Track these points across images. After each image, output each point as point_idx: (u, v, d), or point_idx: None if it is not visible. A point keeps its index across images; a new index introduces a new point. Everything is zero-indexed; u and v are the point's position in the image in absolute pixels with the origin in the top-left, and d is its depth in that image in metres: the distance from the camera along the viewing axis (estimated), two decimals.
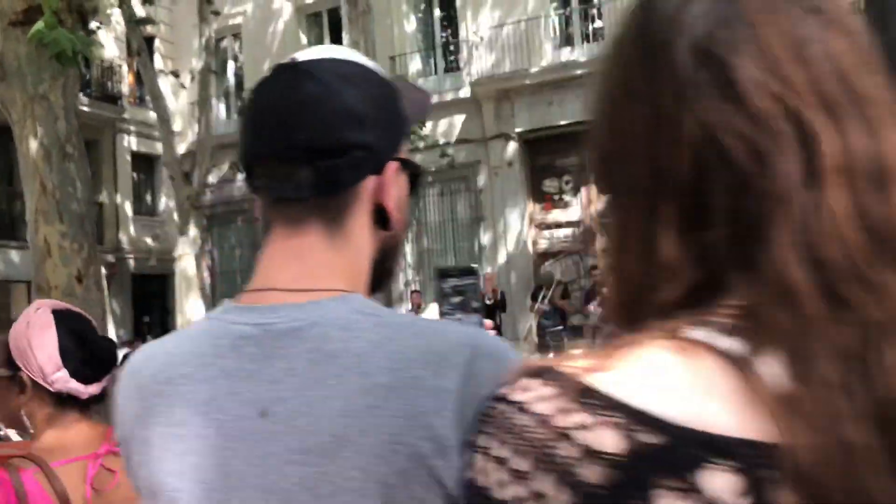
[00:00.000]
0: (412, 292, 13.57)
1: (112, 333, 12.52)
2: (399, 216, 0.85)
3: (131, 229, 18.51)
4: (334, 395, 0.70)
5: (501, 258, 16.12)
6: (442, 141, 15.45)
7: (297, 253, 0.81)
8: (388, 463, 0.67)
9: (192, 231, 14.95)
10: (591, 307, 9.91)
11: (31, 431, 1.53)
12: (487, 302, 10.73)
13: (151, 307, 18.92)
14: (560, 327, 10.43)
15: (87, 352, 1.55)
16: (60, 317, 1.56)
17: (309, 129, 0.78)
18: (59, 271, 4.07)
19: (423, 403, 0.69)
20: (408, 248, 17.00)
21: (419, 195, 16.87)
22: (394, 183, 0.84)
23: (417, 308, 10.56)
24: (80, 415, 1.54)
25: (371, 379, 0.70)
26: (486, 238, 16.34)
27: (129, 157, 18.60)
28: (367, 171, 0.81)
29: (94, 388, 1.55)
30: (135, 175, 18.96)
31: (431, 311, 10.71)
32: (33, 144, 4.03)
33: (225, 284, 19.11)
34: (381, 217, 0.84)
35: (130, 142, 18.78)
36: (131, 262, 18.42)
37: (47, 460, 1.42)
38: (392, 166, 0.84)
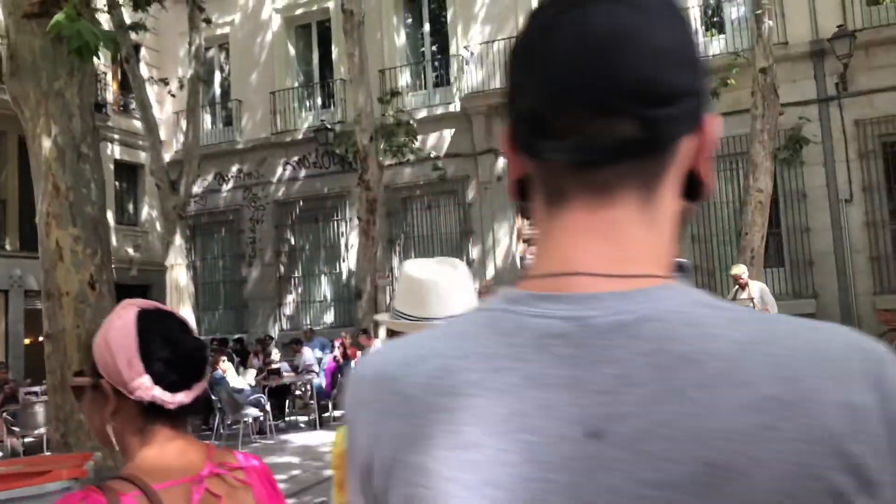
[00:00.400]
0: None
1: None
2: (711, 185, 0.68)
3: (113, 239, 18.13)
4: (702, 410, 0.54)
5: (490, 272, 16.02)
6: (432, 154, 15.34)
7: (607, 229, 0.64)
8: (795, 502, 0.52)
9: (178, 241, 14.68)
10: None
11: (117, 449, 1.37)
12: None
13: None
14: None
15: (174, 354, 1.36)
16: (144, 316, 1.40)
17: (636, 69, 0.61)
18: (71, 277, 3.89)
19: (832, 424, 0.53)
20: (395, 262, 16.86)
21: (406, 208, 16.72)
22: (712, 143, 0.67)
23: None
24: (173, 429, 1.37)
25: (755, 390, 0.54)
26: (474, 252, 16.24)
27: (111, 166, 18.27)
28: (692, 125, 0.64)
29: (182, 397, 1.38)
30: (117, 184, 18.62)
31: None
32: (46, 143, 3.86)
33: (207, 296, 18.80)
34: (691, 185, 0.67)
35: (114, 150, 18.46)
36: (112, 273, 18.02)
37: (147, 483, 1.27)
38: (712, 122, 0.66)
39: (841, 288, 13.60)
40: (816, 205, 13.87)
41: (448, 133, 16.53)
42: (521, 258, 16.10)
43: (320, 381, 10.53)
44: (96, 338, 1.40)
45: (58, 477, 3.03)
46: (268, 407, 9.80)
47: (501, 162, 15.99)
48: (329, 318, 17.64)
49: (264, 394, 10.08)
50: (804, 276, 13.88)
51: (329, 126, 17.07)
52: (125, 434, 1.35)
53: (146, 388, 1.33)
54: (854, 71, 13.53)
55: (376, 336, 12.96)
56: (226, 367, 10.30)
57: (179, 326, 1.46)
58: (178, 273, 9.64)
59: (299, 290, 18.07)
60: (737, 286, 8.99)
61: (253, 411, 9.60)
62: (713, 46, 14.65)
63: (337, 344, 11.22)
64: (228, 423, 10.11)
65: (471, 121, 16.15)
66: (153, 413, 1.36)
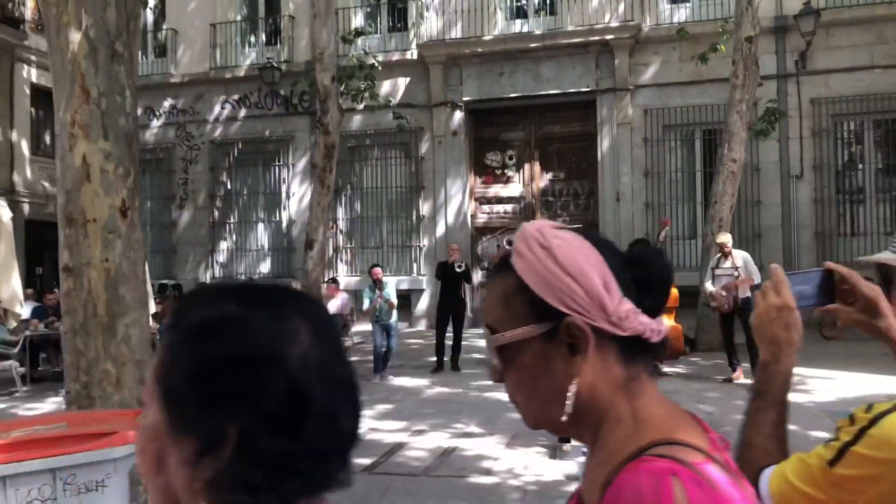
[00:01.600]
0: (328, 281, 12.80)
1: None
2: None
3: (27, 171, 16.63)
4: None
5: (440, 230, 15.61)
6: (390, 102, 14.65)
7: None
8: None
9: None
10: None
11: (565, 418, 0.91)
12: (458, 270, 10.18)
13: (45, 258, 17.12)
14: None
15: (644, 273, 0.94)
16: (582, 233, 0.97)
17: None
18: (99, 201, 3.25)
19: None
20: (339, 214, 16.20)
21: (354, 158, 16.01)
22: None
23: (378, 283, 9.89)
24: (649, 375, 0.93)
25: None
26: (425, 208, 15.76)
27: (28, 90, 16.65)
28: None
29: (660, 327, 0.94)
30: (34, 111, 17.02)
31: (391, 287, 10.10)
32: (75, 37, 3.16)
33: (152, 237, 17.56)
34: None
35: (31, 73, 16.81)
36: (26, 208, 16.57)
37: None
38: None
39: (786, 262, 13.92)
40: (768, 179, 14.12)
41: (403, 81, 15.87)
42: (472, 216, 15.75)
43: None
44: (524, 268, 0.93)
45: (125, 440, 2.46)
46: None
47: (458, 116, 15.51)
48: (265, 267, 16.84)
49: None
50: (752, 248, 14.04)
51: (275, 65, 16.07)
52: (601, 390, 0.90)
53: (635, 316, 0.90)
54: (813, 50, 13.73)
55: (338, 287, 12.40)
56: None
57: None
58: None
59: (234, 237, 17.15)
60: (720, 254, 8.93)
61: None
62: (700, 11, 14.52)
63: None
64: None
65: (428, 70, 15.54)
66: (634, 353, 0.92)
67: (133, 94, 3.37)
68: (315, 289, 11.96)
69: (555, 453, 5.79)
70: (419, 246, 15.83)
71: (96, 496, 2.45)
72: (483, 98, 15.38)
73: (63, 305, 3.30)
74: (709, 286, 8.96)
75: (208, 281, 16.25)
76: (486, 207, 15.96)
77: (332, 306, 11.34)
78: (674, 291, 9.68)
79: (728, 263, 8.81)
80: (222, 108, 17.03)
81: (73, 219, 3.24)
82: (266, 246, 16.94)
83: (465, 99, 15.38)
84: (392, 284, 10.11)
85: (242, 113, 16.89)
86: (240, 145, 16.93)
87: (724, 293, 8.66)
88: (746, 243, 14.04)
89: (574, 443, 5.78)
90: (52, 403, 8.98)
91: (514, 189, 15.79)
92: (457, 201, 15.56)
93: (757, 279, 8.73)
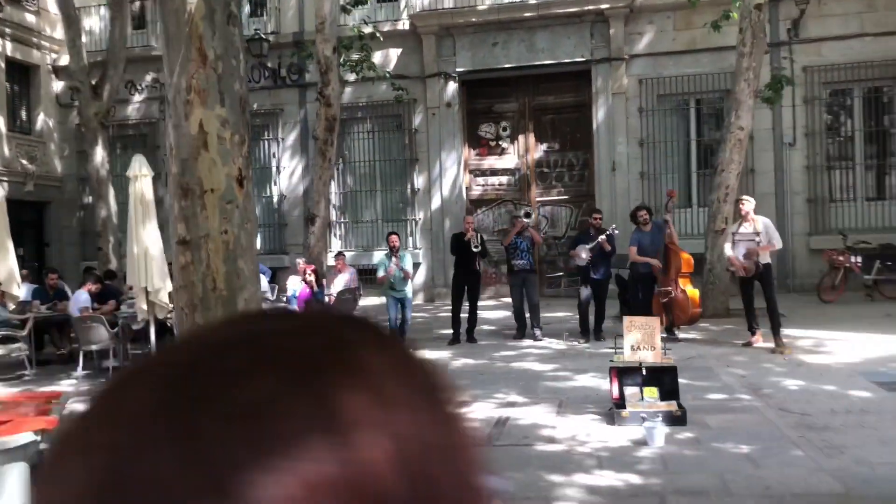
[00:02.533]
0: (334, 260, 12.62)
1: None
2: None
3: (4, 148, 16.05)
4: None
5: (435, 203, 15.52)
6: (387, 73, 14.41)
7: None
8: None
9: (100, 153, 13.18)
10: (582, 253, 9.60)
11: None
12: (475, 250, 10.07)
13: (25, 238, 16.62)
14: (528, 265, 9.97)
15: None
16: None
17: None
18: (217, 171, 3.13)
19: None
20: (332, 188, 15.97)
21: (346, 131, 15.76)
22: None
23: (394, 250, 9.79)
24: None
25: None
26: (420, 181, 15.64)
27: (2, 64, 16.03)
28: None
29: None
30: (9, 86, 16.39)
31: (408, 261, 9.98)
32: None
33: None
34: None
35: (5, 46, 16.16)
36: (4, 186, 16.00)
37: None
38: None
39: (779, 227, 14.12)
40: (762, 146, 14.29)
41: (394, 53, 15.63)
42: (467, 188, 15.68)
43: (294, 308, 9.75)
44: None
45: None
46: None
47: (452, 87, 15.36)
48: (256, 243, 16.55)
49: None
50: (712, 216, 14.32)
51: (263, 36, 15.69)
52: None
53: None
54: (806, 18, 13.85)
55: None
56: None
57: None
58: (144, 185, 8.45)
59: None
60: (740, 219, 9.01)
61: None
62: None
63: (308, 270, 10.43)
64: None
65: (421, 41, 15.32)
66: None
67: (245, 59, 3.23)
68: (317, 263, 11.82)
69: (613, 419, 5.82)
70: (414, 219, 15.73)
71: None
72: (477, 69, 15.25)
73: (178, 280, 3.18)
74: (728, 250, 9.05)
75: None
76: (480, 179, 15.90)
77: (341, 281, 11.23)
78: (689, 257, 9.81)
79: (749, 228, 8.90)
80: None
81: (189, 189, 3.11)
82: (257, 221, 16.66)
83: (458, 70, 15.24)
84: (409, 255, 9.99)
85: None
86: None
87: (742, 260, 8.76)
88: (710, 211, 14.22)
89: (631, 408, 5.83)
90: (65, 385, 8.76)
91: (509, 161, 15.75)
92: (452, 174, 15.47)
93: (778, 245, 8.86)
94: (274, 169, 16.35)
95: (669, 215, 9.96)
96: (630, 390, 6.01)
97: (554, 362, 8.52)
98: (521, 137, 15.63)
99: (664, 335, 9.84)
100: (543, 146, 15.57)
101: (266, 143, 16.49)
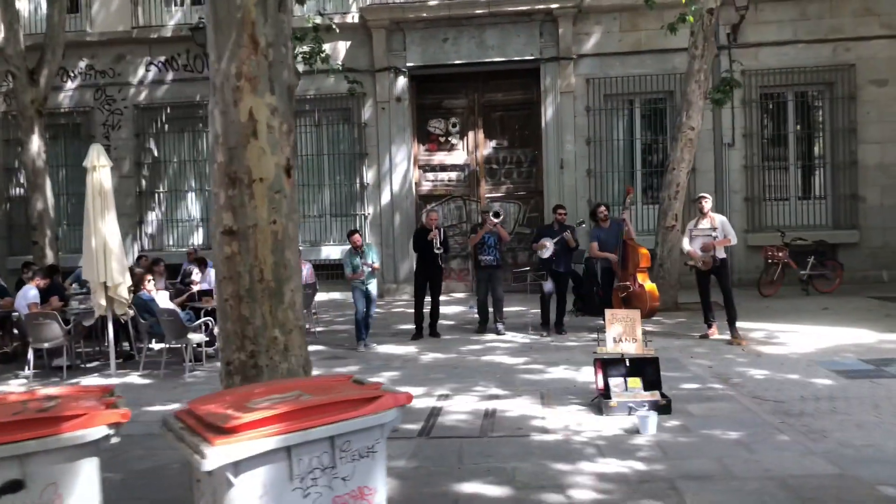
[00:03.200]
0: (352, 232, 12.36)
1: None
2: None
3: None
4: None
5: (385, 198, 15.46)
6: (339, 66, 14.22)
7: None
8: None
9: (35, 142, 12.58)
10: (547, 243, 9.75)
11: None
12: (437, 251, 10.08)
13: None
14: (495, 261, 10.07)
15: None
16: None
17: None
18: (266, 160, 3.08)
19: None
20: None
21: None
22: None
23: (358, 250, 9.71)
24: None
25: None
26: (369, 176, 15.54)
27: None
28: None
29: None
30: None
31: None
32: None
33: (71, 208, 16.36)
34: None
35: None
36: None
37: None
38: None
39: None
40: (703, 146, 14.76)
41: (343, 45, 15.46)
42: (416, 184, 15.67)
43: None
44: None
45: (392, 403, 2.38)
46: (215, 330, 8.78)
47: (402, 81, 15.32)
48: (198, 238, 16.14)
49: (200, 317, 9.01)
50: (688, 212, 14.84)
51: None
52: None
53: None
54: (744, 24, 14.43)
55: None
56: (151, 287, 9.00)
57: None
58: (103, 175, 8.03)
59: (163, 208, 16.32)
60: (699, 215, 9.35)
61: (197, 336, 8.52)
62: None
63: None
64: (149, 348, 8.96)
65: (370, 34, 15.21)
66: None
67: (292, 46, 3.16)
68: None
69: (600, 409, 5.97)
70: (363, 214, 15.63)
71: (367, 462, 2.35)
72: (427, 64, 15.25)
73: (222, 271, 3.10)
74: (686, 245, 9.38)
75: (136, 253, 15.43)
76: (430, 175, 15.92)
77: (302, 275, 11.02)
78: (646, 252, 10.12)
79: (707, 224, 9.25)
80: (147, 70, 16.04)
81: (237, 178, 3.03)
82: (199, 216, 16.23)
83: (408, 65, 15.19)
84: (374, 247, 9.91)
85: (170, 76, 15.98)
86: (168, 110, 16.05)
87: (700, 253, 9.10)
88: (687, 206, 14.73)
89: (617, 398, 5.99)
90: (15, 385, 8.34)
91: (458, 157, 15.83)
92: (402, 169, 15.44)
93: (734, 240, 9.24)
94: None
95: (627, 212, 10.24)
96: (614, 381, 6.17)
97: (523, 355, 8.65)
98: (470, 134, 15.73)
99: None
100: (492, 143, 15.72)
101: (209, 134, 16.06)
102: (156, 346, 9.24)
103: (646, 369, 6.22)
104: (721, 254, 9.17)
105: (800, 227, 14.48)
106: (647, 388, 6.13)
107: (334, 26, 13.42)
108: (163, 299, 9.11)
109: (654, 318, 10.84)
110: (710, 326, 9.35)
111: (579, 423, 5.77)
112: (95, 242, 8.17)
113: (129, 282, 8.49)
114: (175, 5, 16.32)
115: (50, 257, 12.59)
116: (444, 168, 15.90)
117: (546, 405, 6.36)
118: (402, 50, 15.33)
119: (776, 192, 14.99)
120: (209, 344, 9.01)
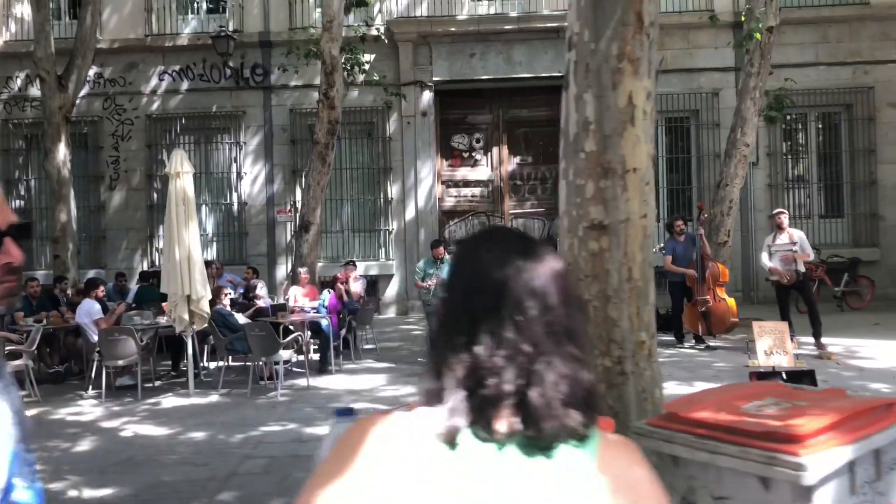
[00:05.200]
0: (346, 263, 11.98)
1: None
2: None
3: None
4: None
5: (410, 214, 15.16)
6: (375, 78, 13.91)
7: None
8: None
9: (62, 150, 11.94)
10: None
11: None
12: None
13: None
14: None
15: None
16: None
17: None
18: (640, 149, 2.84)
19: None
20: (298, 196, 15.28)
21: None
22: None
23: (440, 260, 9.44)
24: None
25: None
26: (393, 191, 15.23)
27: None
28: None
29: None
30: None
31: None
32: None
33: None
34: None
35: None
36: None
37: None
38: None
39: (743, 241, 14.92)
40: None
41: (367, 59, 15.18)
42: (439, 200, 15.43)
43: (327, 321, 9.13)
44: None
45: None
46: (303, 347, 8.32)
47: (427, 96, 15.11)
48: (211, 253, 15.50)
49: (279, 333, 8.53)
50: (715, 228, 14.99)
51: (229, 34, 14.82)
52: None
53: None
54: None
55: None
56: (227, 302, 8.50)
57: None
58: (187, 181, 7.52)
59: None
60: (776, 230, 9.37)
61: (288, 353, 8.05)
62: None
63: (342, 278, 9.85)
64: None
65: (397, 48, 14.98)
66: None
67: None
68: (311, 273, 11.22)
69: None
70: (387, 230, 15.29)
71: (894, 475, 2.11)
72: (454, 79, 15.09)
73: (586, 269, 2.83)
74: (766, 260, 9.38)
75: (145, 268, 14.74)
76: (453, 191, 15.71)
77: (355, 289, 10.63)
78: (725, 268, 10.10)
79: (785, 239, 9.27)
80: (160, 79, 15.46)
81: (610, 169, 2.77)
82: (212, 230, 15.63)
83: (434, 79, 15.00)
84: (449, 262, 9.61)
85: (184, 85, 15.43)
86: (183, 121, 15.46)
87: (783, 268, 9.11)
88: (712, 223, 14.84)
89: None
90: (88, 406, 7.75)
91: (482, 172, 15.67)
92: (427, 184, 15.19)
93: (812, 255, 9.27)
94: (234, 175, 15.42)
95: (702, 227, 10.23)
96: None
97: None
98: (494, 149, 15.60)
99: (692, 343, 10.10)
100: (517, 159, 15.61)
101: (226, 146, 15.54)
102: (218, 362, 8.72)
103: (803, 381, 6.09)
104: (801, 268, 9.19)
105: (822, 245, 14.72)
106: None
107: (383, 37, 13.18)
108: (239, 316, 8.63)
109: (706, 333, 10.78)
110: (790, 340, 9.31)
111: None
112: (180, 253, 7.68)
113: (209, 294, 8.00)
114: (191, 13, 15.80)
115: (72, 273, 11.92)
116: (467, 184, 15.70)
117: None
118: (429, 64, 15.15)
119: (799, 210, 15.25)
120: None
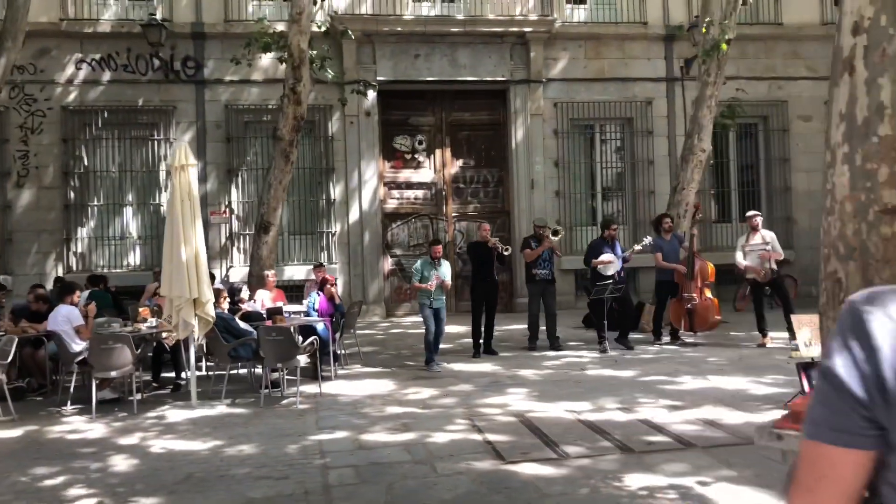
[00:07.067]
0: (315, 266, 11.47)
1: None
2: None
3: None
4: None
5: (354, 215, 14.77)
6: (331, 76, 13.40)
7: None
8: None
9: None
10: (612, 259, 9.87)
11: None
12: (505, 253, 9.81)
13: None
14: (550, 276, 10.03)
15: None
16: None
17: None
18: None
19: None
20: (233, 196, 14.53)
21: (249, 134, 14.43)
22: None
23: (437, 260, 9.18)
24: None
25: None
26: (336, 192, 14.77)
27: None
28: None
29: None
30: None
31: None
32: None
33: None
34: None
35: None
36: None
37: None
38: None
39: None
40: (660, 171, 15.70)
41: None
42: (381, 201, 15.12)
43: (322, 324, 8.64)
44: None
45: None
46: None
47: (371, 95, 14.79)
48: (136, 258, 14.43)
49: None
50: (647, 232, 15.60)
51: (161, 22, 13.87)
52: None
53: None
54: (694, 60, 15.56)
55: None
56: (226, 306, 7.86)
57: None
58: (190, 176, 6.82)
59: (94, 224, 14.40)
60: (750, 231, 9.88)
61: (304, 358, 7.54)
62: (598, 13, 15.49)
63: (330, 281, 9.35)
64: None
65: (340, 44, 14.55)
66: None
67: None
68: (265, 278, 10.66)
69: None
70: (329, 232, 14.80)
71: None
72: (398, 79, 14.87)
73: (877, 254, 2.82)
74: (740, 259, 9.87)
75: (61, 274, 13.51)
76: (395, 193, 15.45)
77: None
78: (712, 267, 10.53)
79: (758, 240, 9.80)
80: (77, 68, 14.20)
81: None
82: (137, 233, 14.51)
83: (378, 79, 14.70)
84: (446, 263, 9.40)
85: (106, 76, 14.26)
86: (104, 114, 14.27)
87: (759, 266, 9.62)
88: (641, 228, 15.46)
89: None
90: (80, 423, 6.94)
91: (425, 175, 15.52)
92: (371, 185, 14.86)
93: (783, 254, 9.85)
94: (164, 173, 14.40)
95: (696, 227, 10.69)
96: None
97: (626, 369, 8.60)
98: (437, 152, 15.50)
99: (668, 339, 10.44)
100: (459, 162, 15.59)
101: (154, 143, 14.49)
102: (214, 369, 8.09)
103: None
104: (774, 266, 9.74)
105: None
106: None
107: (349, 32, 12.77)
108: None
109: (688, 330, 11.14)
110: (764, 335, 9.85)
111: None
112: (186, 253, 7.05)
113: (213, 298, 7.41)
114: None
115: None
116: (410, 186, 15.50)
117: (748, 412, 6.38)
118: (372, 63, 14.84)
119: (721, 215, 16.20)
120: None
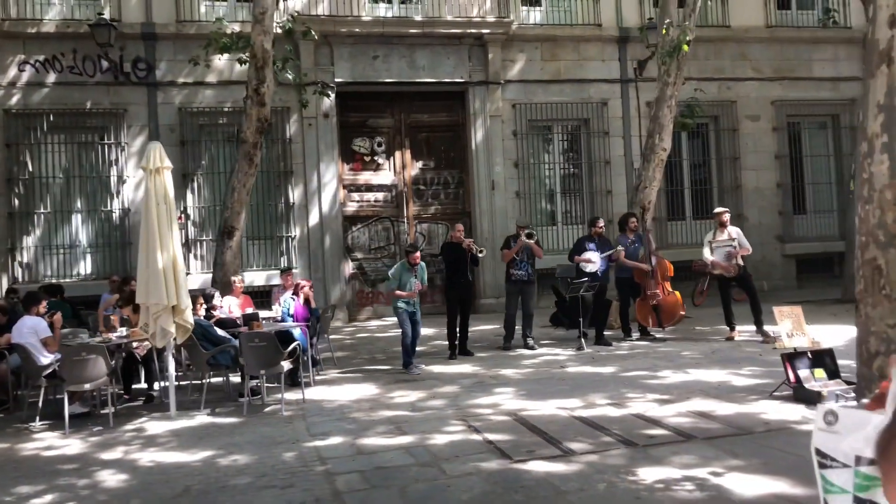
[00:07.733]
0: (283, 271, 11.18)
1: None
2: None
3: None
4: None
5: (314, 219, 14.53)
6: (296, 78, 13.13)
7: None
8: None
9: None
10: (594, 257, 9.95)
11: None
12: (480, 255, 9.75)
13: None
14: (527, 276, 10.03)
15: None
16: None
17: None
18: None
19: None
20: (189, 201, 14.12)
21: (204, 138, 14.07)
22: None
23: (415, 267, 9.05)
24: None
25: None
26: (295, 195, 14.52)
27: None
28: None
29: None
30: None
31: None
32: None
33: None
34: None
35: None
36: None
37: None
38: None
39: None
40: (616, 171, 15.94)
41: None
42: (341, 204, 14.92)
43: (299, 330, 8.42)
44: None
45: None
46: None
47: (330, 96, 14.59)
48: (86, 267, 13.89)
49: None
50: (606, 231, 15.80)
51: (110, 22, 13.40)
52: None
53: None
54: (649, 60, 15.86)
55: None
56: (203, 312, 7.59)
57: None
58: (165, 178, 6.53)
59: (40, 232, 13.79)
60: (717, 227, 10.08)
61: (288, 364, 7.31)
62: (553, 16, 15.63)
63: (306, 285, 9.13)
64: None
65: (298, 47, 14.30)
66: None
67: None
68: (230, 283, 10.41)
69: (804, 400, 6.22)
70: (289, 236, 14.53)
71: None
72: (356, 80, 14.71)
73: None
74: (708, 255, 10.06)
75: (5, 286, 12.93)
76: (356, 195, 15.28)
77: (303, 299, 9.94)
78: (670, 264, 10.69)
79: (725, 236, 10.01)
80: (20, 69, 13.59)
81: None
82: (87, 241, 13.96)
83: (336, 80, 14.52)
84: (423, 266, 9.29)
85: (51, 78, 13.69)
86: (50, 118, 13.69)
87: (726, 262, 9.83)
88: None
89: (821, 388, 6.29)
90: (53, 439, 6.61)
91: (385, 177, 15.39)
92: (331, 188, 14.65)
93: (750, 250, 10.09)
94: (115, 179, 13.91)
95: (650, 227, 10.83)
96: (803, 373, 6.48)
97: (604, 365, 8.66)
98: (397, 154, 15.39)
99: (638, 336, 10.58)
100: (419, 164, 15.51)
101: (104, 147, 13.98)
102: (202, 378, 7.82)
103: (824, 360, 6.61)
104: (741, 262, 9.97)
105: (694, 245, 16.04)
106: (830, 377, 6.52)
107: (314, 34, 12.54)
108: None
109: (656, 326, 11.26)
110: (732, 329, 10.06)
111: (803, 415, 5.98)
112: (163, 259, 6.79)
113: (191, 305, 7.16)
114: None
115: None
116: (370, 188, 15.35)
117: (740, 402, 6.48)
118: (330, 64, 14.65)
119: (675, 213, 16.53)
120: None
